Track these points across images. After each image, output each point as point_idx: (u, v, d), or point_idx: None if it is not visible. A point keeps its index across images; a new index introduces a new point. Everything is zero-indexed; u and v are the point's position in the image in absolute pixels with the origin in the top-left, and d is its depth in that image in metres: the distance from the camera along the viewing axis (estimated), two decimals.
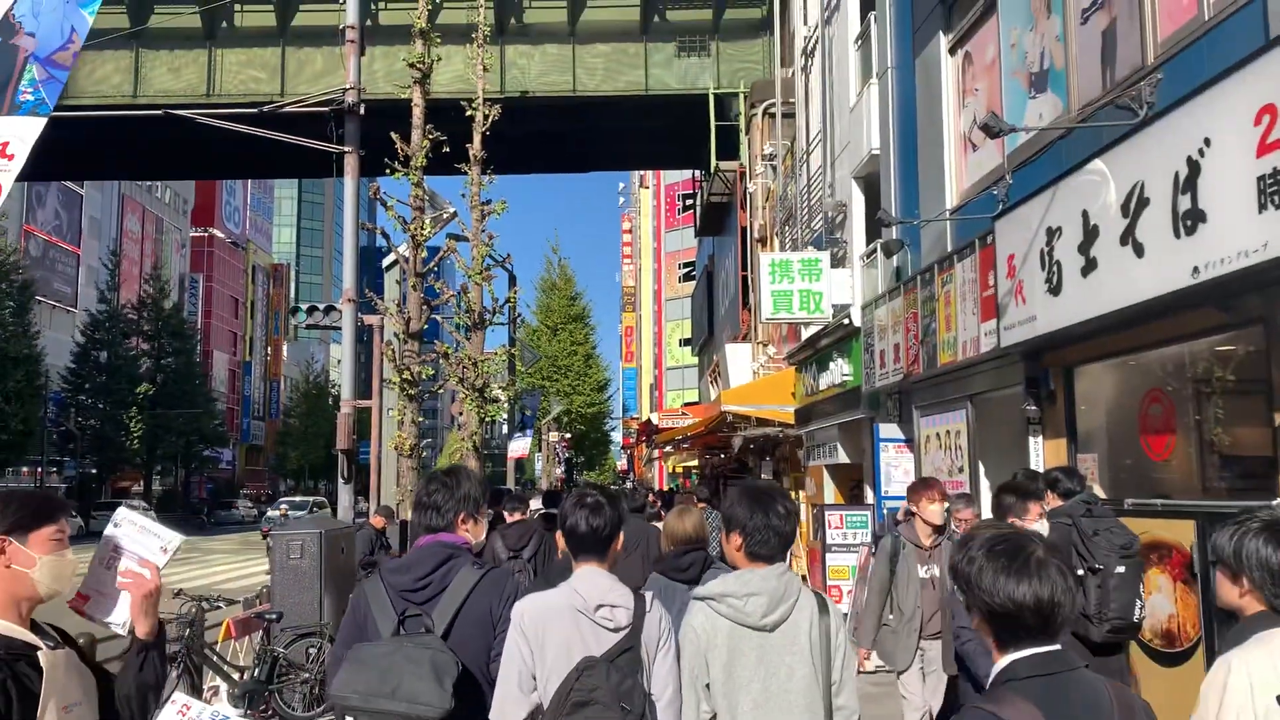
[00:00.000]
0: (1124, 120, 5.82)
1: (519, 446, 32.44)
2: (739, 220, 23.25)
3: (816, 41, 15.27)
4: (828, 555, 10.66)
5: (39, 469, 42.42)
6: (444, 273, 16.11)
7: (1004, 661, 1.79)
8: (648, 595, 2.82)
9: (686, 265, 53.05)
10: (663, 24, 25.28)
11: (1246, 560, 2.16)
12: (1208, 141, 4.78)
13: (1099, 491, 6.43)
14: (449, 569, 2.81)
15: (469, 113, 15.77)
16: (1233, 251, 4.57)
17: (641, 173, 64.13)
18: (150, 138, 25.08)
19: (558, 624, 2.67)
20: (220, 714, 2.11)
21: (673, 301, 57.27)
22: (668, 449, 27.55)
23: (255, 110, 13.26)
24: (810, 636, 2.72)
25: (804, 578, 12.25)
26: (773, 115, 19.11)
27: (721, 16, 25.16)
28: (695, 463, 30.38)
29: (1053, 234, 6.47)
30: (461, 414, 16.44)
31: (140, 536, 2.19)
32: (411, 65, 13.62)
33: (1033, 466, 7.13)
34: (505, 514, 7.29)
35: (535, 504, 9.55)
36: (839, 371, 12.52)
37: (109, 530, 2.19)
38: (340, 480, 11.68)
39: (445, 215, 15.00)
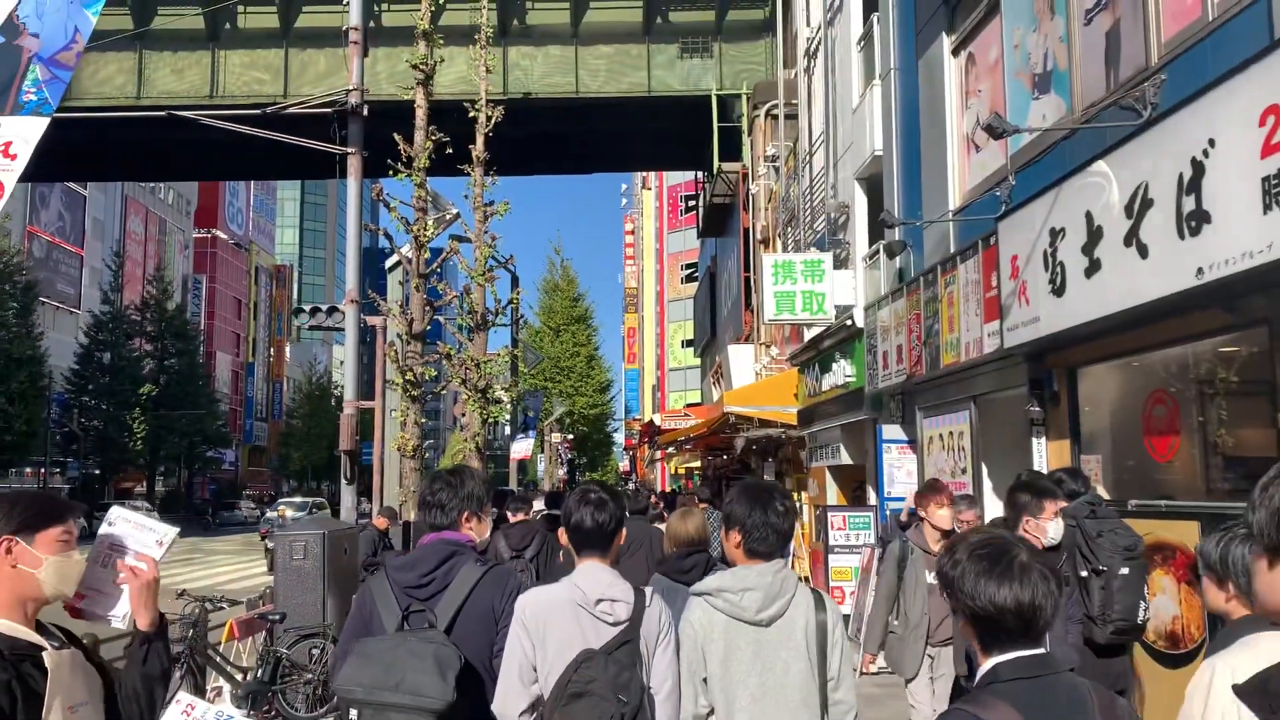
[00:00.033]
0: (1128, 121, 5.81)
1: (522, 448, 32.46)
2: (741, 221, 23.24)
3: (819, 43, 15.27)
4: (830, 556, 10.66)
5: (42, 470, 42.48)
6: (447, 274, 16.12)
7: (988, 665, 1.81)
8: (648, 590, 2.87)
9: (689, 266, 53.05)
10: (665, 25, 25.28)
11: (1233, 566, 2.19)
12: (1212, 142, 4.78)
13: (1103, 493, 6.42)
14: (452, 566, 2.86)
15: (472, 114, 15.78)
16: (1237, 252, 4.57)
17: (644, 174, 64.13)
18: (153, 139, 25.11)
19: (558, 617, 2.72)
20: (225, 714, 2.10)
21: (675, 303, 57.28)
22: (670, 450, 27.55)
23: (258, 111, 13.28)
24: (806, 632, 2.76)
25: (806, 578, 12.24)
26: (775, 116, 19.10)
27: (724, 18, 25.15)
28: (698, 464, 30.38)
29: (1056, 235, 6.47)
30: (464, 415, 16.44)
31: (135, 532, 2.20)
32: (414, 67, 13.62)
33: (1036, 468, 7.12)
34: (509, 514, 7.30)
35: (538, 504, 9.55)
36: (842, 373, 12.52)
37: (103, 529, 2.20)
38: (343, 481, 11.68)
39: (448, 216, 15.00)
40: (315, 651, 7.44)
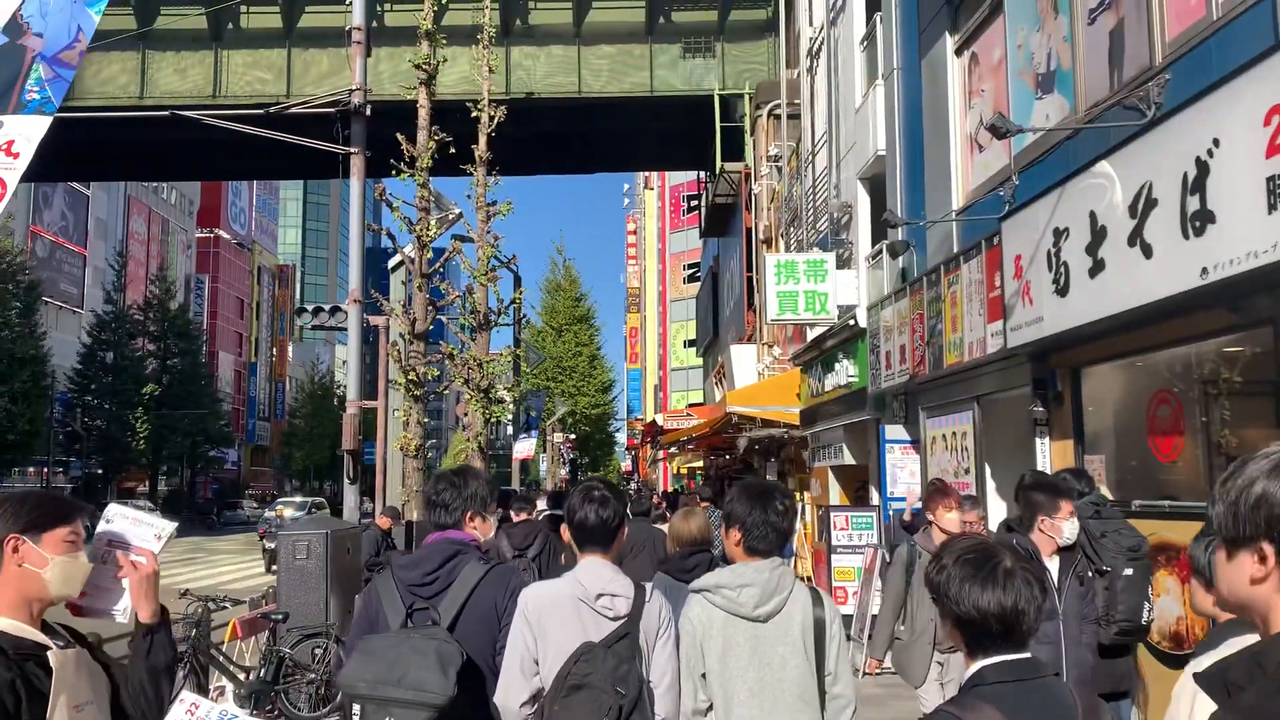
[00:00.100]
0: (1132, 121, 5.80)
1: (524, 448, 32.46)
2: (744, 221, 23.24)
3: (822, 42, 15.26)
4: (833, 556, 10.65)
5: (45, 469, 42.52)
6: (449, 274, 16.13)
7: (973, 668, 1.84)
8: (648, 586, 2.92)
9: (691, 266, 53.02)
10: (668, 25, 25.26)
11: None
12: (1217, 142, 4.77)
13: (1106, 493, 6.40)
14: (455, 564, 2.91)
15: (474, 114, 15.79)
16: (1242, 252, 4.56)
17: (646, 174, 64.12)
18: (156, 139, 25.13)
19: (560, 612, 2.77)
20: (229, 713, 2.10)
21: (677, 302, 57.23)
22: (672, 450, 27.54)
23: (261, 111, 13.29)
24: (803, 628, 2.81)
25: (809, 578, 12.23)
26: (778, 116, 19.09)
27: (727, 18, 25.14)
28: (700, 464, 30.38)
29: (1060, 235, 6.46)
30: (466, 415, 16.45)
31: (133, 528, 2.21)
32: (417, 67, 13.63)
33: (1040, 468, 7.11)
34: (512, 514, 7.31)
35: (541, 504, 9.56)
36: (844, 373, 12.50)
37: (101, 527, 2.21)
38: (346, 481, 11.69)
39: (450, 216, 15.01)
40: (318, 651, 7.44)
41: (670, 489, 36.28)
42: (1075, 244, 6.23)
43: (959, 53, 9.62)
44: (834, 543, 10.65)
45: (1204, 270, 4.85)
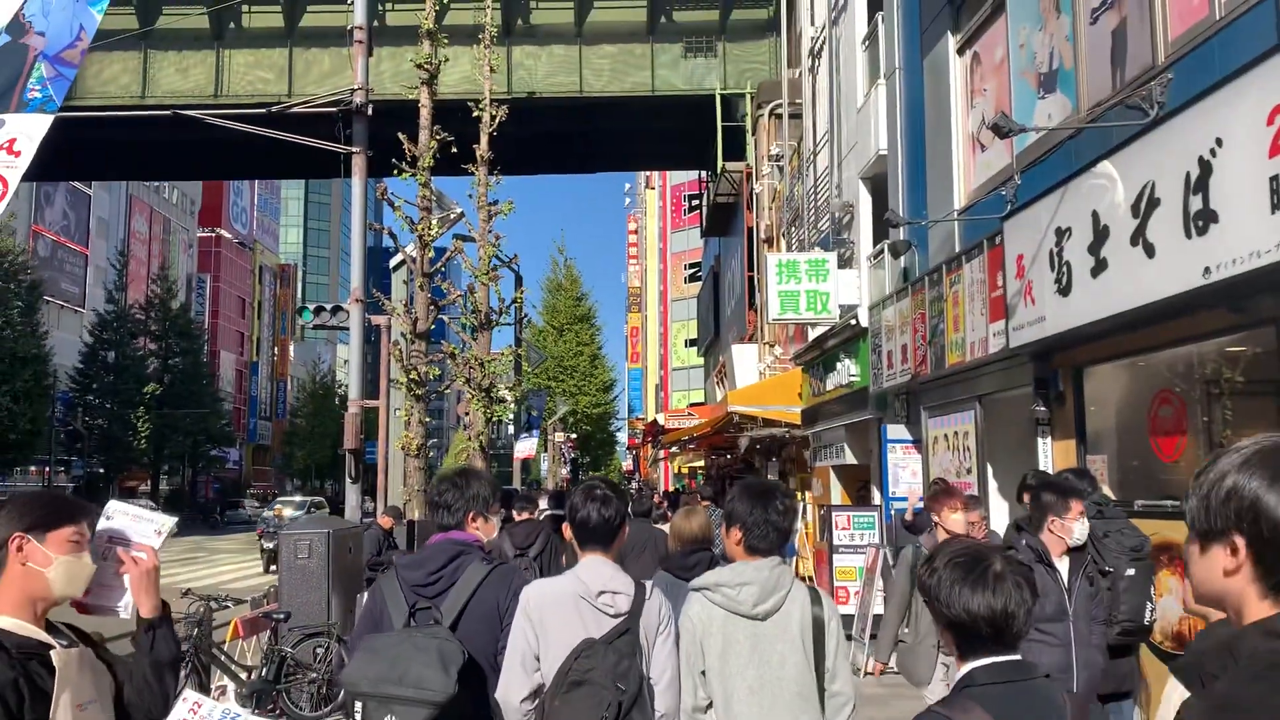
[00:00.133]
0: (1134, 120, 5.79)
1: (525, 447, 32.48)
2: (745, 221, 23.23)
3: (824, 42, 15.25)
4: (835, 556, 10.64)
5: (46, 468, 42.55)
6: (451, 273, 16.14)
7: (964, 669, 1.87)
8: (648, 584, 2.96)
9: (692, 266, 53.00)
10: (669, 25, 25.25)
11: None
12: (1219, 141, 4.76)
13: (1109, 493, 6.40)
14: (458, 565, 2.93)
15: (476, 113, 15.79)
16: (1245, 252, 4.55)
17: (647, 174, 64.11)
18: (158, 138, 25.14)
19: (561, 609, 2.80)
20: (232, 712, 2.10)
21: (678, 302, 57.22)
22: (674, 449, 27.55)
23: (263, 111, 13.30)
24: (802, 626, 2.84)
25: (810, 578, 12.23)
26: (779, 116, 19.09)
27: (728, 17, 25.13)
28: (701, 463, 30.38)
29: (1062, 234, 6.45)
30: (468, 414, 16.45)
31: (133, 524, 2.22)
32: (419, 66, 13.64)
33: (1042, 468, 7.10)
34: (514, 513, 7.33)
35: (542, 504, 9.55)
36: (846, 372, 12.50)
37: (101, 524, 2.21)
38: (348, 480, 11.70)
39: (452, 216, 15.02)
40: (320, 650, 7.44)
41: (671, 488, 36.28)
42: (1077, 243, 6.23)
43: (961, 52, 9.61)
44: (835, 543, 10.64)
45: (1206, 270, 4.84)
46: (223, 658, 7.32)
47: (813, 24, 16.46)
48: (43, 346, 38.92)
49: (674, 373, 57.45)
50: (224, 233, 71.62)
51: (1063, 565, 4.12)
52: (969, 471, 8.67)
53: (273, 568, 20.19)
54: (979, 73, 9.24)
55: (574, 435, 46.07)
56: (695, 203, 46.17)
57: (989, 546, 1.99)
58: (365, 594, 6.74)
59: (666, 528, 6.03)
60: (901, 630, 5.56)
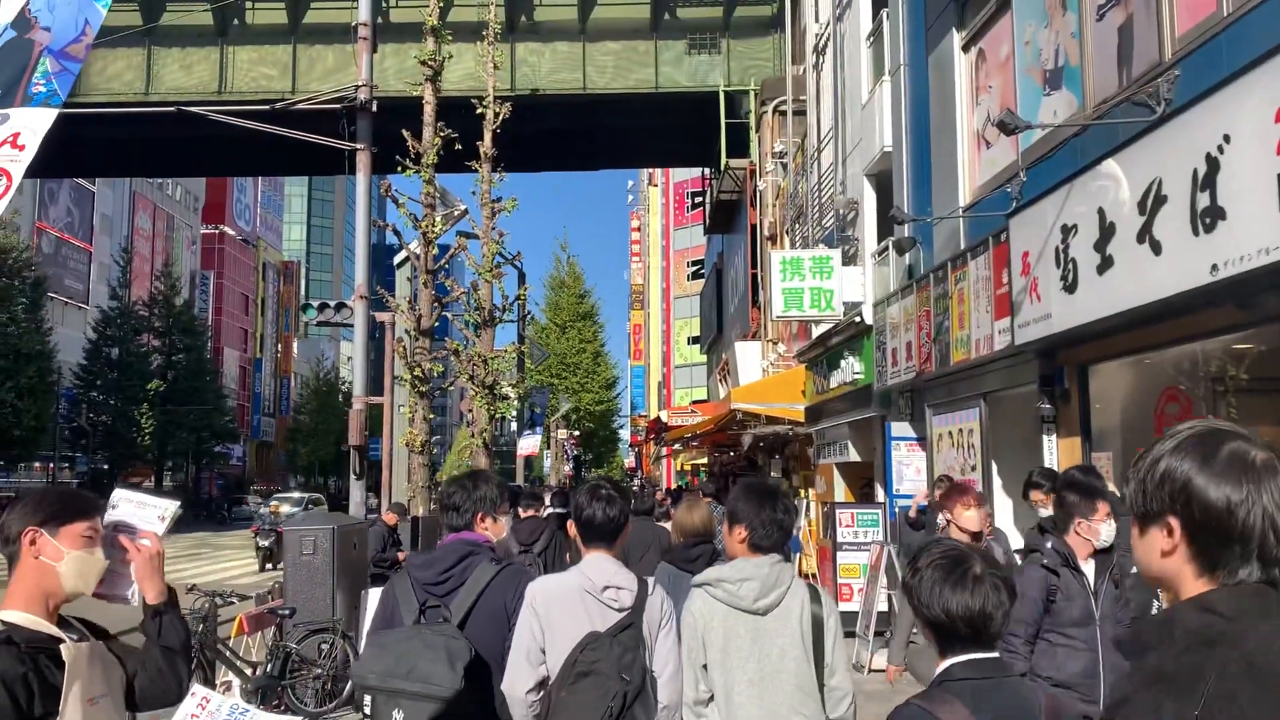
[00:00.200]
0: (1141, 117, 5.78)
1: (529, 444, 32.48)
2: (749, 218, 23.20)
3: (828, 39, 15.23)
4: (839, 554, 10.63)
5: (51, 465, 42.63)
6: (454, 270, 16.15)
7: (943, 665, 1.95)
8: (650, 580, 3.07)
9: (695, 263, 52.97)
10: (673, 21, 25.21)
11: None
12: (1227, 138, 4.75)
13: (1115, 490, 6.39)
14: (468, 565, 3.02)
15: (479, 110, 15.78)
16: (1253, 249, 4.54)
17: (650, 171, 64.07)
18: (162, 135, 25.15)
19: (567, 603, 2.89)
20: (240, 707, 2.11)
21: (681, 299, 57.19)
22: (676, 446, 27.55)
23: (267, 107, 13.28)
24: (801, 621, 2.90)
25: (814, 575, 12.23)
26: (783, 112, 19.06)
27: (732, 14, 25.09)
28: (704, 460, 30.37)
29: (1068, 231, 6.44)
30: (471, 411, 16.47)
31: (138, 510, 2.25)
32: (423, 63, 13.63)
33: (1047, 465, 7.09)
34: (519, 510, 7.35)
35: (546, 501, 9.57)
36: (850, 369, 12.48)
37: (108, 515, 2.22)
38: (352, 476, 11.71)
39: (456, 213, 15.02)
40: (324, 646, 7.46)
41: (674, 486, 36.28)
42: (1084, 241, 6.21)
43: (966, 49, 9.59)
44: (839, 540, 10.63)
45: (1214, 267, 4.83)
46: (228, 653, 7.34)
47: (817, 20, 16.43)
48: (47, 343, 38.97)
49: (676, 370, 57.44)
50: (227, 229, 71.71)
51: (1088, 568, 3.99)
52: (973, 469, 8.67)
53: (268, 566, 20.20)
54: (984, 69, 9.22)
55: (577, 432, 46.11)
56: (698, 200, 46.15)
57: (971, 549, 2.06)
58: (369, 590, 6.75)
59: (669, 525, 6.05)
60: (913, 632, 5.53)
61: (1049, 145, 7.53)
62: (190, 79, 24.80)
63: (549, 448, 40.55)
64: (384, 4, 23.41)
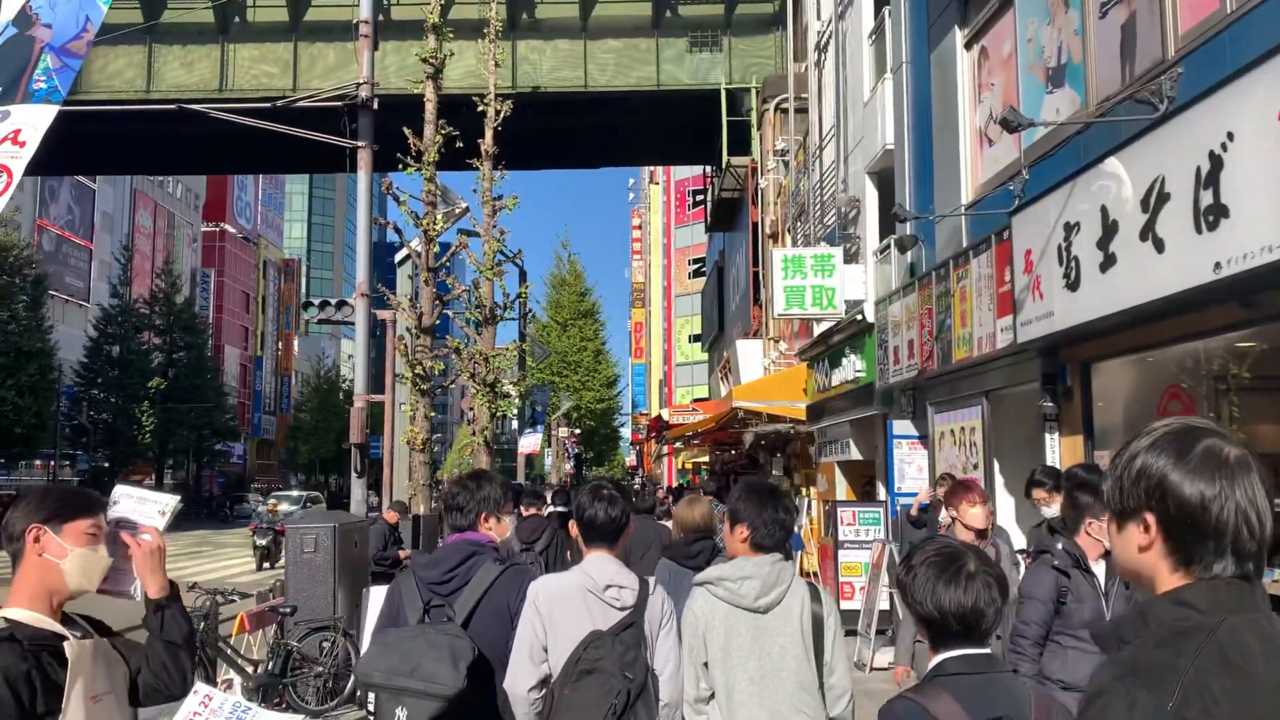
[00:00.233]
0: (1144, 115, 5.77)
1: (529, 442, 32.48)
2: (750, 216, 23.19)
3: (830, 36, 15.21)
4: (840, 552, 10.63)
5: (51, 463, 42.65)
6: (455, 268, 16.14)
7: (936, 660, 1.98)
8: (650, 580, 3.10)
9: (696, 261, 52.97)
10: (674, 19, 25.19)
11: None
12: (1231, 136, 4.73)
13: None
14: (472, 564, 3.04)
15: (481, 108, 15.77)
16: (1256, 247, 4.53)
17: (652, 169, 64.04)
18: (162, 132, 25.14)
19: (569, 602, 2.92)
20: (243, 705, 2.11)
21: (682, 297, 57.19)
22: (678, 445, 27.55)
23: (268, 105, 13.27)
24: (802, 620, 2.93)
25: (815, 573, 12.23)
26: (785, 110, 19.04)
27: (733, 11, 25.06)
28: (705, 459, 30.37)
29: (1071, 229, 6.43)
30: (472, 409, 16.47)
31: (139, 506, 2.25)
32: (424, 61, 13.62)
33: (1049, 463, 7.08)
34: (521, 508, 7.35)
35: (548, 499, 9.57)
36: (852, 367, 12.47)
37: (110, 512, 2.21)
38: (353, 474, 11.71)
39: (457, 210, 15.01)
40: (325, 644, 7.46)
41: (675, 484, 36.29)
42: (1086, 238, 6.20)
43: (968, 46, 9.58)
44: (841, 538, 10.63)
45: (1217, 265, 4.82)
46: (229, 651, 7.34)
47: (819, 18, 16.41)
48: (47, 341, 38.98)
49: (678, 368, 57.44)
50: (228, 227, 71.72)
51: (1099, 569, 3.93)
52: (975, 467, 8.66)
53: (266, 565, 20.19)
54: (986, 67, 9.20)
55: (578, 430, 46.12)
56: (699, 198, 46.14)
57: (964, 546, 2.08)
58: (370, 589, 6.75)
59: (670, 523, 6.06)
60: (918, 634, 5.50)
61: (1051, 143, 7.52)
62: (191, 76, 24.78)
63: (550, 446, 40.56)
64: (385, 1, 23.39)
